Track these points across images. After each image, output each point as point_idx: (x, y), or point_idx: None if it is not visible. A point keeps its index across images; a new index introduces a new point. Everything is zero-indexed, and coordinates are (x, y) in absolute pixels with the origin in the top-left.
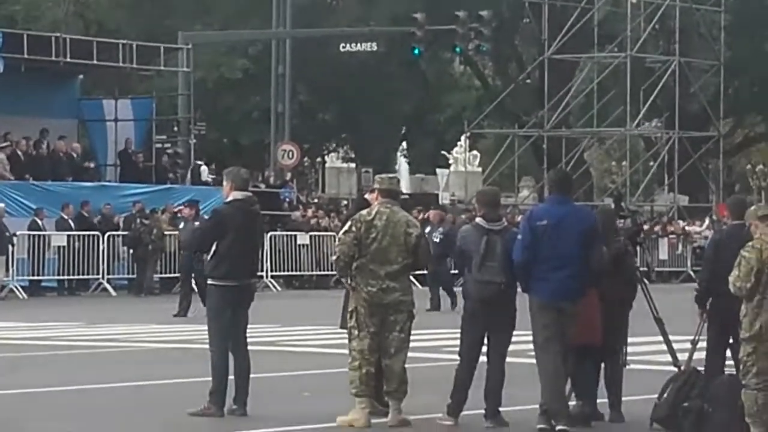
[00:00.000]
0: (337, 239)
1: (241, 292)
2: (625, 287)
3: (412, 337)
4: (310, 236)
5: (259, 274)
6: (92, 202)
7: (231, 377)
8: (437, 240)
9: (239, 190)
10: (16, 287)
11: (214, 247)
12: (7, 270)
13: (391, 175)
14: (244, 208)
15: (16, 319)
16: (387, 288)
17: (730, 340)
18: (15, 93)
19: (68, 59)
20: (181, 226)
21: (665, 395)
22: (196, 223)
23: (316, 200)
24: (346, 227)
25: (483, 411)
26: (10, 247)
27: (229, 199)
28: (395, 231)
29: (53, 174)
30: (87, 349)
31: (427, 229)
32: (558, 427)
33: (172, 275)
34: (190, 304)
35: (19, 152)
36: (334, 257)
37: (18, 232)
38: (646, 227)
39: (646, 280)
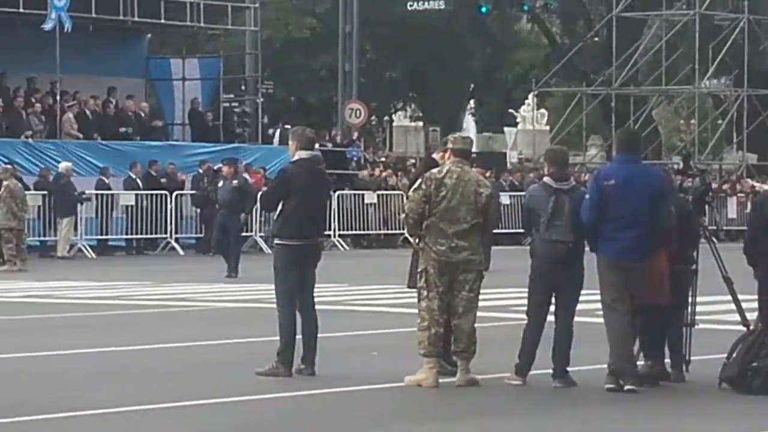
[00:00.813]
0: (405, 197)
1: (308, 251)
2: (689, 246)
3: (480, 297)
4: (378, 195)
5: (327, 233)
6: (160, 161)
7: (299, 337)
8: None
9: (305, 149)
10: (84, 246)
11: (280, 207)
12: (76, 229)
13: (464, 135)
14: (309, 168)
15: (85, 278)
16: (456, 247)
17: None
18: (83, 52)
19: (136, 18)
20: (220, 184)
21: (734, 355)
22: (235, 182)
23: (383, 159)
24: (416, 185)
25: (551, 371)
26: (78, 206)
27: (295, 158)
28: (465, 190)
29: (121, 133)
30: (156, 308)
31: None
32: (626, 387)
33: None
34: (238, 261)
35: (87, 111)
36: (403, 215)
37: (86, 191)
38: (714, 186)
39: (714, 239)
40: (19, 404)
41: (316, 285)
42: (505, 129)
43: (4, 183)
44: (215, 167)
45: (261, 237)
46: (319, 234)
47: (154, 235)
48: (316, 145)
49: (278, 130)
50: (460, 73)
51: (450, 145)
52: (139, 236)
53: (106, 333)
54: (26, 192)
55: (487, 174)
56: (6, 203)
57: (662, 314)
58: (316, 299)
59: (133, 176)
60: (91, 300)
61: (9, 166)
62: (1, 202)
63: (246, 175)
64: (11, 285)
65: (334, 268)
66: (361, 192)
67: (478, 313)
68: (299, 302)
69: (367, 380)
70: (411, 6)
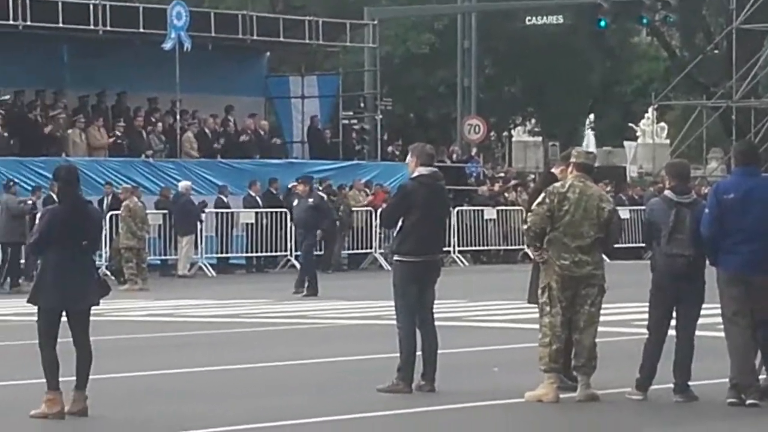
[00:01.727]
0: (525, 213)
1: (428, 267)
2: None
3: (601, 311)
4: (497, 211)
5: (446, 249)
6: (280, 179)
7: (419, 353)
8: None
9: (425, 165)
10: (204, 265)
11: (399, 223)
12: (196, 248)
13: (587, 150)
14: (429, 184)
15: (206, 297)
16: (579, 261)
17: None
18: (202, 71)
19: (255, 37)
20: (295, 203)
21: None
22: (310, 200)
23: (502, 174)
24: (539, 199)
25: (672, 385)
26: (198, 225)
27: (415, 174)
28: (588, 205)
29: (240, 151)
30: (276, 326)
31: None
32: (748, 401)
33: (360, 251)
34: (316, 278)
35: (207, 130)
36: (525, 227)
37: (206, 210)
38: None
39: None
40: (146, 421)
41: (435, 301)
42: (625, 143)
43: (124, 203)
44: (290, 185)
45: (381, 254)
46: (438, 250)
47: (274, 253)
48: (435, 161)
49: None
50: (580, 87)
51: (573, 159)
52: (259, 254)
53: (228, 351)
54: (147, 211)
55: (608, 189)
56: (126, 223)
57: None
58: (435, 315)
59: (253, 194)
60: (211, 318)
61: (130, 186)
62: (121, 221)
63: (321, 193)
64: (132, 304)
65: (454, 284)
66: (480, 208)
67: (599, 328)
68: (419, 318)
69: (488, 396)
70: (529, 20)
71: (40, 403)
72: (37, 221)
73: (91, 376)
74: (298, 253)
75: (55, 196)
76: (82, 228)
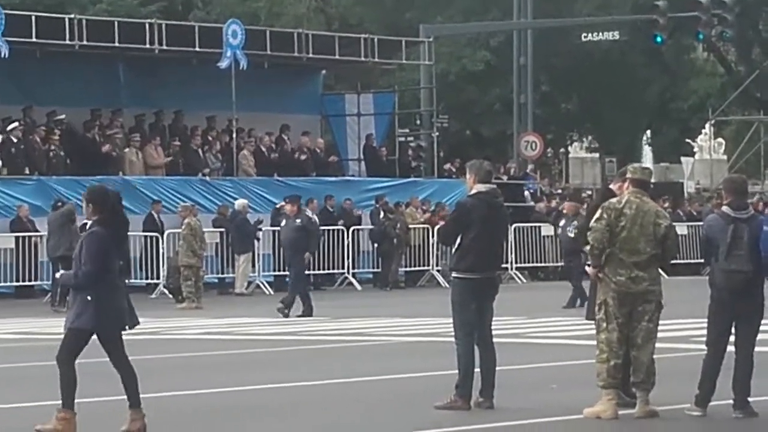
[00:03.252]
0: (585, 228)
1: (486, 284)
2: None
3: (659, 327)
4: (554, 227)
5: (504, 266)
6: (336, 196)
7: (477, 370)
8: (571, 234)
9: (483, 182)
10: (261, 283)
11: (458, 240)
12: (253, 265)
13: (644, 166)
14: (487, 201)
15: (263, 315)
16: (636, 277)
17: None
18: (258, 89)
19: (311, 55)
20: (283, 223)
21: None
22: (298, 221)
23: (559, 191)
24: (597, 215)
25: (731, 401)
26: (255, 243)
27: (473, 191)
28: (644, 221)
29: (297, 169)
30: (333, 343)
31: (561, 222)
32: None
33: (418, 268)
34: (308, 298)
35: (263, 148)
36: (587, 247)
37: (263, 228)
38: None
39: None
40: None
41: (494, 317)
42: (682, 159)
43: (185, 221)
44: (277, 205)
45: (438, 271)
46: (497, 267)
47: (331, 271)
48: (492, 178)
49: None
50: (636, 103)
51: (629, 175)
52: (317, 272)
53: (285, 368)
54: (204, 229)
55: (665, 205)
56: (186, 241)
57: None
58: (494, 332)
59: (310, 212)
60: (269, 336)
61: (189, 204)
62: (181, 239)
63: (309, 213)
64: (190, 322)
65: (512, 301)
66: (537, 224)
67: (657, 344)
68: (477, 335)
69: (546, 413)
70: (585, 37)
71: (52, 419)
72: (83, 248)
73: (149, 395)
74: (357, 270)
75: (90, 218)
76: (122, 250)
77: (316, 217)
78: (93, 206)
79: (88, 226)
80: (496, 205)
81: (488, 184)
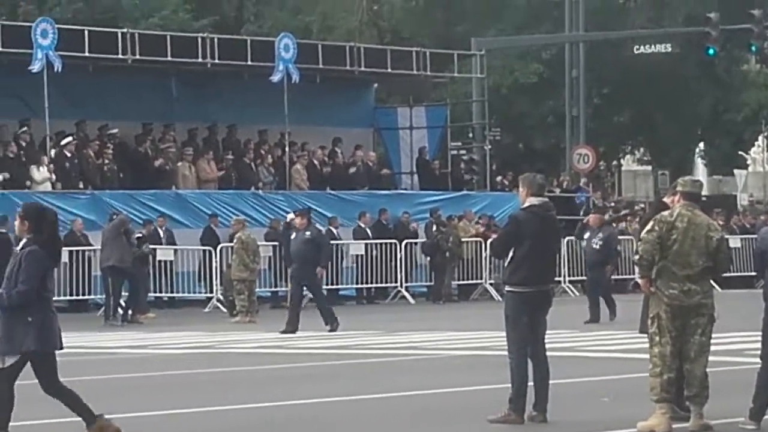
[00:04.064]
0: (636, 242)
1: (539, 297)
2: None
3: (712, 341)
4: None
5: (557, 279)
6: (389, 210)
7: (530, 383)
8: (596, 246)
9: (535, 195)
10: None
11: (511, 254)
12: None
13: (694, 179)
14: (540, 214)
15: (315, 329)
16: (688, 291)
17: None
18: (311, 103)
19: (363, 68)
20: (293, 236)
21: None
22: (308, 234)
23: (612, 204)
24: (648, 227)
25: None
26: None
27: (526, 205)
28: (696, 234)
29: (349, 183)
30: (386, 357)
31: (586, 235)
32: None
33: (471, 282)
34: (328, 310)
35: (315, 162)
36: (636, 257)
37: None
38: None
39: None
40: None
41: (547, 331)
42: (735, 171)
43: (237, 234)
44: (287, 219)
45: (491, 284)
46: (550, 280)
47: (384, 284)
48: (545, 191)
49: None
50: (689, 115)
51: (679, 188)
52: (369, 285)
53: (337, 382)
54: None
55: (719, 218)
56: (238, 255)
57: None
58: (547, 345)
59: (363, 225)
60: (322, 350)
61: (241, 218)
62: (234, 253)
63: (319, 226)
64: (243, 336)
65: (565, 314)
66: None
67: (710, 357)
68: (531, 349)
69: (599, 426)
70: (637, 50)
71: None
72: (21, 266)
73: (204, 408)
74: (410, 284)
75: (22, 235)
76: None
77: (324, 230)
78: (28, 223)
79: (23, 245)
80: (549, 218)
81: (541, 198)
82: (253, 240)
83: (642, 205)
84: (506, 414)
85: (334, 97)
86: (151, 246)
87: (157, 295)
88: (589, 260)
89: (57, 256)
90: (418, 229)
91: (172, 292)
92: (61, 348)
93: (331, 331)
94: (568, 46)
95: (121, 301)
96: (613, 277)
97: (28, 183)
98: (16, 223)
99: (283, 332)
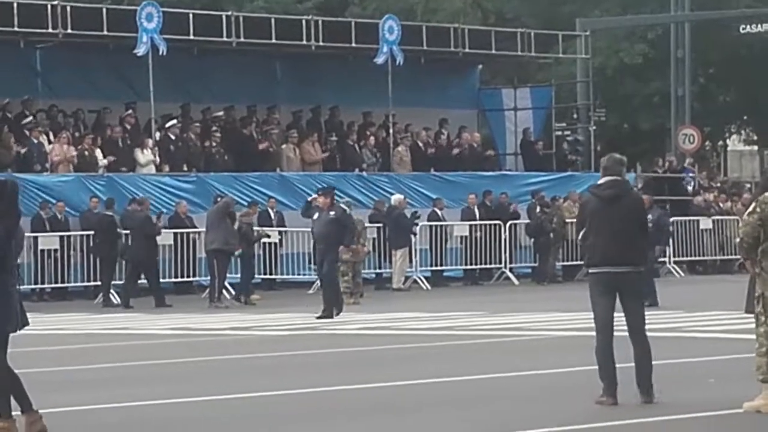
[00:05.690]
0: (740, 222)
1: (614, 279)
2: None
3: None
4: (713, 221)
5: (662, 259)
6: (493, 191)
7: (626, 365)
8: None
9: (606, 175)
10: (419, 278)
11: (581, 235)
12: (410, 261)
13: None
14: (597, 194)
15: (419, 310)
16: None
17: None
18: (415, 85)
19: (467, 50)
20: (315, 216)
21: None
22: (332, 213)
23: (718, 184)
24: (750, 208)
25: None
26: (412, 238)
27: (600, 182)
28: None
29: (453, 164)
30: (490, 338)
31: None
32: None
33: (575, 263)
34: (338, 299)
35: (419, 143)
36: (737, 239)
37: (420, 223)
38: None
39: None
40: None
41: (652, 312)
42: None
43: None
44: (309, 198)
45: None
46: (626, 261)
47: (488, 266)
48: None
49: None
50: None
51: None
52: (474, 267)
53: (442, 363)
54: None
55: None
56: None
57: None
58: (652, 326)
59: (470, 207)
60: (426, 331)
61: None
62: None
63: (344, 206)
64: (347, 317)
65: (670, 295)
66: (696, 218)
67: None
68: (629, 330)
69: (705, 407)
70: (744, 29)
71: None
72: None
73: (311, 389)
74: (514, 265)
75: None
76: (17, 249)
77: (350, 210)
78: None
79: None
80: (608, 197)
81: (608, 177)
82: (359, 221)
83: (748, 186)
84: (600, 396)
85: (439, 79)
86: (263, 228)
87: (264, 277)
88: None
89: (13, 232)
90: (519, 210)
91: (277, 274)
92: (21, 328)
93: (318, 318)
94: (673, 26)
95: (226, 284)
96: (719, 258)
97: (132, 166)
98: None
99: (319, 317)
